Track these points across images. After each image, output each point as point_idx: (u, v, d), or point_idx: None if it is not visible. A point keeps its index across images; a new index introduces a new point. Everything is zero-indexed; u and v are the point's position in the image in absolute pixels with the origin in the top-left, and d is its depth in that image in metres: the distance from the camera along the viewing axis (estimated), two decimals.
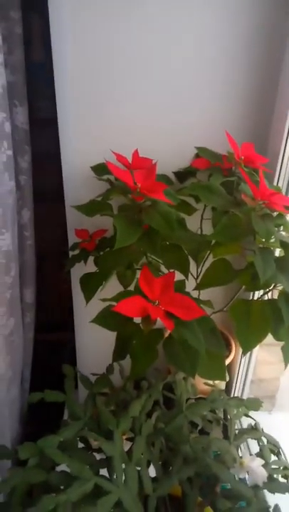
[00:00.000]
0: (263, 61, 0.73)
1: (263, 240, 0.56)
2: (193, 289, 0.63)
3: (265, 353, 1.03)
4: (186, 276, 0.61)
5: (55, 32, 0.71)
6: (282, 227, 0.60)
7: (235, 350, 0.94)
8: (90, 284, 0.71)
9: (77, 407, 0.57)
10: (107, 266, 0.61)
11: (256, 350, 0.97)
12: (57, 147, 0.82)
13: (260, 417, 0.74)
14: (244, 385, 1.03)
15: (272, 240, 0.61)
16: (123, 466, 0.52)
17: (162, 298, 0.55)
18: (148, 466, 0.57)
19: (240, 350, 0.96)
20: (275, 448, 0.67)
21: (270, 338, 0.65)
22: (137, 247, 0.66)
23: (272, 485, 0.59)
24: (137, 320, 0.58)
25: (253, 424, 0.71)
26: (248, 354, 0.97)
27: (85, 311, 0.99)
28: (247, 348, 0.59)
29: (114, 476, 0.51)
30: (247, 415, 0.72)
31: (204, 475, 0.57)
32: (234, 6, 0.70)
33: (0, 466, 0.79)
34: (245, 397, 1.06)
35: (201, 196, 0.58)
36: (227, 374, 1.00)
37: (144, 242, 0.58)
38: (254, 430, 0.68)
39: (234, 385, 1.02)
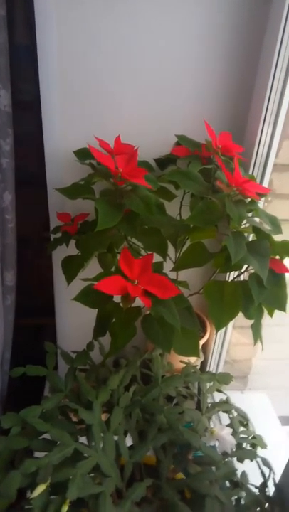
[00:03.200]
0: (242, 54, 0.76)
1: (237, 225, 0.60)
2: (171, 270, 0.66)
3: (239, 335, 1.08)
4: (164, 258, 0.64)
5: (39, 14, 0.72)
6: (254, 213, 0.64)
7: (210, 331, 0.98)
8: (72, 267, 0.74)
9: (58, 380, 0.60)
10: (89, 248, 0.63)
11: (230, 331, 1.02)
12: (39, 131, 0.83)
13: (233, 396, 0.79)
14: (218, 365, 1.08)
15: (245, 225, 0.65)
16: (101, 435, 0.56)
17: (141, 278, 0.58)
18: (125, 435, 0.61)
19: (215, 332, 1.01)
20: (244, 420, 0.72)
21: (243, 320, 0.69)
22: (117, 231, 0.69)
23: (240, 452, 0.64)
24: (117, 299, 0.61)
25: (224, 398, 0.76)
26: (222, 335, 1.02)
27: (65, 293, 1.02)
28: (219, 325, 0.63)
29: (93, 444, 0.55)
30: (219, 390, 0.77)
31: (177, 443, 0.62)
32: (216, 0, 0.72)
33: None
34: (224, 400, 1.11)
35: (179, 182, 0.61)
36: (202, 354, 1.05)
37: (125, 225, 0.60)
38: (225, 403, 0.73)
39: (208, 364, 1.07)
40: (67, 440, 0.51)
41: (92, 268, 0.72)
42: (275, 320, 0.69)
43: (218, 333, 1.01)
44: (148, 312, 0.61)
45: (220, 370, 1.10)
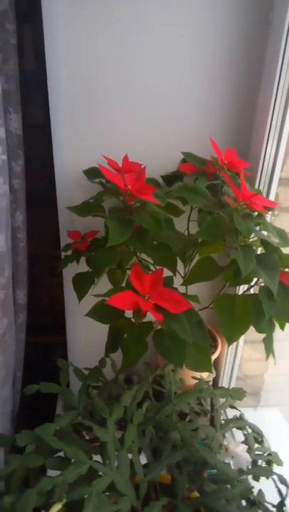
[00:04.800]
0: (244, 73, 0.79)
1: (245, 238, 0.61)
2: (181, 285, 0.67)
3: (251, 350, 1.07)
4: (174, 273, 0.65)
5: (48, 42, 0.75)
6: (262, 227, 0.65)
7: (221, 346, 0.98)
8: (83, 283, 0.74)
9: (71, 397, 0.60)
10: (99, 264, 0.64)
11: (241, 346, 1.01)
12: (49, 152, 0.85)
13: (246, 413, 0.78)
14: (230, 381, 1.07)
15: (253, 239, 0.66)
16: (115, 452, 0.56)
17: (152, 292, 0.58)
18: (139, 453, 0.60)
19: (226, 347, 1.01)
20: (258, 436, 0.71)
21: (254, 334, 0.69)
22: (126, 247, 0.70)
23: (255, 469, 0.63)
24: (128, 314, 0.62)
25: (238, 415, 0.75)
26: (234, 350, 1.01)
27: (76, 310, 1.03)
28: (231, 339, 0.63)
29: (108, 462, 0.54)
30: (232, 406, 0.76)
31: (192, 461, 0.61)
32: (218, 20, 0.75)
33: None
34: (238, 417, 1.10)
35: (187, 198, 0.63)
36: (214, 369, 1.04)
37: (135, 240, 0.61)
38: (239, 420, 0.72)
39: (221, 380, 1.06)
40: (82, 458, 0.50)
41: (103, 284, 0.73)
42: (287, 334, 0.69)
43: (230, 348, 1.01)
44: (159, 327, 0.61)
45: (232, 386, 1.09)
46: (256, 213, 0.62)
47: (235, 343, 1.00)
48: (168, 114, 0.82)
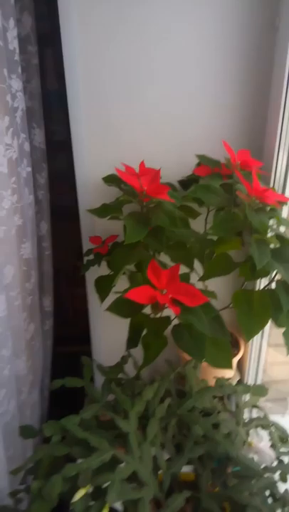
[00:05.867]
0: (254, 76, 0.81)
1: (259, 232, 0.62)
2: (198, 280, 0.69)
3: (276, 353, 1.06)
4: (191, 269, 0.67)
5: (68, 65, 0.81)
6: (276, 222, 0.66)
7: (244, 349, 0.97)
8: (104, 285, 0.77)
9: (94, 391, 0.62)
10: (118, 263, 0.67)
11: (264, 348, 1.00)
12: (71, 167, 0.90)
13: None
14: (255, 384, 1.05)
15: (269, 235, 0.67)
16: (138, 444, 0.57)
17: (169, 287, 0.60)
18: (162, 448, 0.61)
19: (249, 350, 1.00)
20: (284, 435, 0.70)
21: (279, 338, 0.68)
22: (144, 249, 0.72)
23: (281, 466, 0.62)
24: (147, 311, 0.64)
25: (262, 415, 0.74)
26: (257, 353, 1.00)
27: (100, 320, 1.06)
28: (249, 334, 0.63)
29: (130, 452, 0.56)
30: (256, 406, 0.76)
31: (215, 456, 0.61)
32: (228, 28, 0.78)
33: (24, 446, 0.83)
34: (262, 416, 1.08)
35: (201, 196, 0.65)
36: (238, 373, 1.03)
37: (151, 239, 0.64)
38: (263, 419, 0.71)
39: None
40: (105, 447, 0.52)
41: (123, 286, 0.75)
42: None
43: (253, 351, 1.00)
44: (178, 323, 0.63)
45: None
46: (269, 208, 0.63)
47: (258, 346, 0.99)
48: (182, 121, 0.85)
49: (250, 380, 1.06)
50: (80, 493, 0.48)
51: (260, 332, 0.96)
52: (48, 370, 1.20)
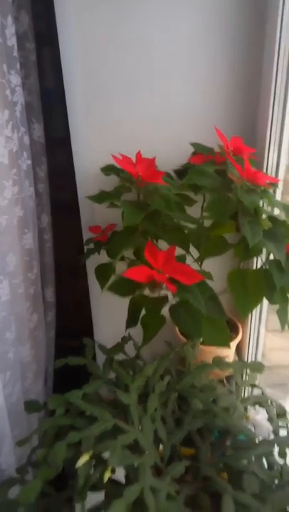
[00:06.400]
0: (245, 67, 0.84)
1: (253, 216, 0.65)
2: (194, 261, 0.71)
3: (275, 338, 1.08)
4: (187, 251, 0.69)
5: (65, 60, 0.84)
6: (267, 202, 0.68)
7: (243, 334, 1.00)
8: (104, 273, 0.80)
9: (96, 368, 0.64)
10: (116, 247, 0.69)
11: (263, 333, 1.03)
12: (70, 161, 0.93)
13: None
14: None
15: (263, 217, 0.69)
16: (139, 417, 0.59)
17: (165, 267, 0.63)
18: (162, 423, 0.63)
19: (248, 335, 1.02)
20: (281, 411, 0.72)
21: (277, 323, 0.70)
22: (142, 234, 0.75)
23: (278, 438, 0.64)
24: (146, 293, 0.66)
25: (260, 393, 0.77)
26: (256, 338, 1.02)
27: (102, 313, 1.08)
28: (244, 311, 0.66)
29: (131, 423, 0.58)
30: (254, 385, 0.78)
31: (214, 428, 0.63)
32: (218, 14, 0.81)
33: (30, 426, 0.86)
34: (257, 383, 1.10)
35: (195, 180, 0.67)
36: (236, 356, 1.05)
37: (148, 222, 0.67)
38: (261, 396, 0.73)
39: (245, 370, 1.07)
40: (107, 417, 0.54)
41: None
42: None
43: (252, 336, 1.02)
44: (175, 302, 0.65)
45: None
46: (261, 190, 0.66)
47: (256, 331, 1.01)
48: (177, 112, 0.88)
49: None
50: (83, 459, 0.50)
51: (258, 317, 0.98)
52: (52, 360, 1.22)
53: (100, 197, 0.73)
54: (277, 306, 0.71)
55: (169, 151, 0.91)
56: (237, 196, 0.65)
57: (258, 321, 0.99)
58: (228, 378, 0.94)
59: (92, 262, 0.89)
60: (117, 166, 0.78)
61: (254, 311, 0.98)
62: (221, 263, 0.77)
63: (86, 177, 0.95)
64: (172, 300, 0.67)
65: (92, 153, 0.93)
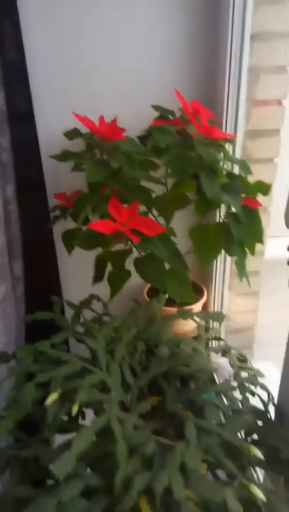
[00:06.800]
0: (202, 36, 0.87)
1: (211, 171, 0.68)
2: (156, 216, 0.74)
3: (239, 300, 1.13)
4: (150, 209, 0.72)
5: (26, 33, 0.84)
6: (224, 157, 0.72)
7: (208, 296, 1.04)
8: (71, 238, 0.81)
9: (64, 321, 0.66)
10: (81, 204, 0.71)
11: (227, 296, 1.07)
12: (34, 132, 0.93)
13: None
14: (219, 334, 1.12)
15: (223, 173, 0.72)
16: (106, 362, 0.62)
17: (129, 220, 0.65)
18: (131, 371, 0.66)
19: (212, 298, 1.07)
20: (241, 357, 0.77)
21: (241, 287, 0.73)
22: (106, 196, 0.77)
23: (238, 378, 0.69)
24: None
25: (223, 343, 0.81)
26: (220, 301, 1.07)
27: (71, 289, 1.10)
28: (204, 262, 0.70)
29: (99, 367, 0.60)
30: (218, 338, 0.82)
31: (178, 372, 0.67)
32: None
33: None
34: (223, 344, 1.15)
35: (156, 137, 0.69)
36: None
37: (111, 179, 0.69)
38: (224, 346, 0.78)
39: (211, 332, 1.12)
40: (75, 360, 0.57)
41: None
42: (281, 283, 0.73)
43: (216, 298, 1.07)
44: (140, 256, 0.68)
45: (222, 336, 1.14)
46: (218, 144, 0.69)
47: (220, 293, 1.06)
48: (137, 78, 0.90)
49: (214, 327, 1.13)
50: (52, 397, 0.52)
51: (222, 280, 1.03)
52: (23, 337, 1.22)
53: (64, 156, 0.74)
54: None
55: (132, 119, 0.93)
56: (197, 152, 0.68)
57: (221, 283, 1.03)
58: (196, 338, 0.99)
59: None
60: (80, 131, 0.79)
61: (218, 274, 1.02)
62: (186, 226, 0.80)
63: (51, 150, 0.95)
64: (135, 255, 0.69)
65: (56, 124, 0.93)
